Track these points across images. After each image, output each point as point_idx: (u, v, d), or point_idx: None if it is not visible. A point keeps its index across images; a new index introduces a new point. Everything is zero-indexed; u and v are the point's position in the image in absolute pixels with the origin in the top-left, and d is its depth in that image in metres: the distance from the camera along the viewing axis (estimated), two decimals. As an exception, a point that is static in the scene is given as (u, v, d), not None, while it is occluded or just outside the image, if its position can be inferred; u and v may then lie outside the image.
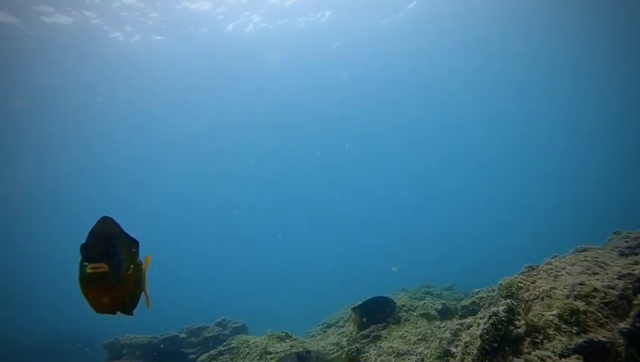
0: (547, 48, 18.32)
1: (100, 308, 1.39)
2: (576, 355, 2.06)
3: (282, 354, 4.42)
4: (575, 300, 2.36)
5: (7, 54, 14.69)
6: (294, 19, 16.94)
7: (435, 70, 21.01)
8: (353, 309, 4.36)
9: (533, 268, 3.11)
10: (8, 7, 12.89)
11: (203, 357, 5.31)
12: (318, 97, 23.16)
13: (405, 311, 4.59)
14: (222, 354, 5.08)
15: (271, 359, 4.38)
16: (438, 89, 22.68)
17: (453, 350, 3.00)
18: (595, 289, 2.35)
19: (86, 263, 1.32)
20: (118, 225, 1.52)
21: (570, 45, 17.80)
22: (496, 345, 2.34)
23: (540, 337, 2.26)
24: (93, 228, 1.40)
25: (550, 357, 2.12)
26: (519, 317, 2.42)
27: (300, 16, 16.88)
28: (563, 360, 2.08)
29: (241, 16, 16.47)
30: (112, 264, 1.35)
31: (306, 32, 17.73)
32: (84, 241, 1.36)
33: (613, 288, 2.31)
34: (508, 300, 2.53)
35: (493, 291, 3.52)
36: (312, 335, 5.88)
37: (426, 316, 4.44)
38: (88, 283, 1.31)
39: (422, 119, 26.09)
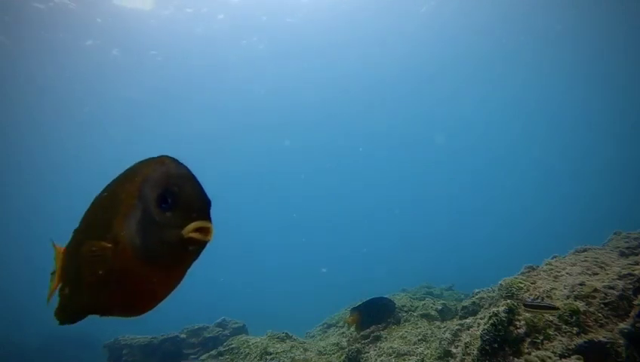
0: (547, 47, 18.32)
1: (155, 302, 0.91)
2: (577, 356, 2.07)
3: (282, 355, 4.42)
4: (575, 300, 2.36)
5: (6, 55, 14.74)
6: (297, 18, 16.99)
7: (433, 71, 21.01)
8: (352, 310, 4.36)
9: (533, 269, 3.11)
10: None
11: (203, 357, 5.31)
12: (316, 97, 23.16)
13: (405, 311, 4.59)
14: (222, 355, 5.08)
15: (271, 359, 4.39)
16: (439, 90, 22.68)
17: (454, 350, 3.01)
18: (596, 290, 2.36)
19: (180, 217, 0.81)
20: None
21: (571, 43, 17.81)
22: (496, 345, 2.34)
23: (540, 337, 2.26)
24: (177, 165, 0.88)
25: (550, 358, 2.12)
26: (519, 318, 2.42)
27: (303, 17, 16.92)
28: (563, 360, 2.09)
29: (246, 20, 16.52)
30: None
31: (306, 32, 17.75)
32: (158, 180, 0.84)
33: (613, 288, 2.31)
34: (508, 300, 2.54)
35: (494, 291, 3.52)
36: (312, 336, 5.88)
37: (427, 316, 4.44)
38: (182, 252, 0.82)
39: (421, 119, 26.11)
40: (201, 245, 0.83)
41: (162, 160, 0.88)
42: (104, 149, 22.98)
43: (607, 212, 25.87)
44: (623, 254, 3.32)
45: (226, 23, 16.68)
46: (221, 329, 6.23)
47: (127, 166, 0.94)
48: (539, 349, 2.21)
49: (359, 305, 4.37)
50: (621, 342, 2.01)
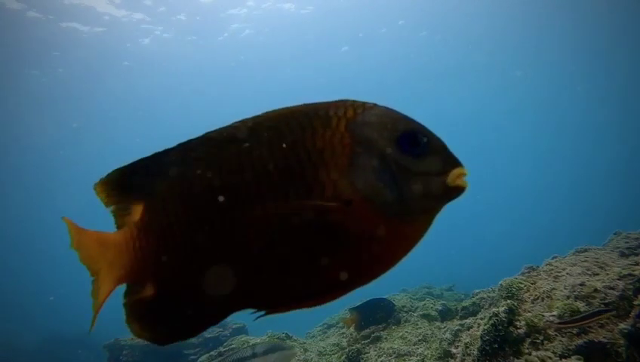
0: (550, 45, 18.28)
1: (377, 275, 0.72)
2: (577, 356, 2.07)
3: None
4: (575, 301, 2.36)
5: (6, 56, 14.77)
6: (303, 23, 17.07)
7: (435, 72, 21.00)
8: (351, 310, 4.37)
9: (533, 269, 3.11)
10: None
11: (203, 357, 5.31)
12: (325, 96, 23.16)
13: (405, 311, 4.59)
14: (222, 355, 5.08)
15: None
16: (441, 92, 22.67)
17: (454, 351, 3.00)
18: (596, 290, 2.36)
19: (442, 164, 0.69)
20: None
21: (573, 42, 17.77)
22: (496, 345, 2.34)
23: (541, 338, 2.26)
24: (386, 107, 0.74)
25: (551, 358, 2.12)
26: (520, 318, 2.42)
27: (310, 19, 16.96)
28: (563, 360, 2.09)
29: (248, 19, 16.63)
30: None
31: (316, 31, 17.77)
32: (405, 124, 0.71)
33: (613, 289, 2.31)
34: (508, 301, 2.53)
35: (494, 292, 3.51)
36: (313, 336, 5.88)
37: (427, 317, 4.44)
38: (441, 204, 0.69)
39: (423, 120, 26.06)
40: (459, 195, 0.70)
41: (362, 104, 0.73)
42: (102, 151, 23.00)
43: (608, 212, 25.88)
44: (623, 254, 3.32)
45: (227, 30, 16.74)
46: (221, 329, 6.22)
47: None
48: (539, 349, 2.21)
49: (358, 306, 4.37)
50: (621, 342, 2.01)
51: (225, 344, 5.33)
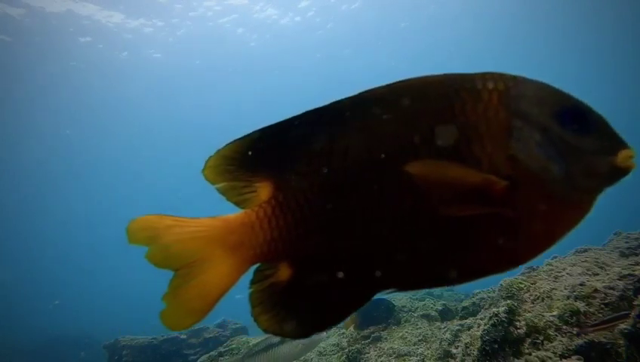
0: (554, 42, 18.28)
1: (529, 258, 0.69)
2: (577, 356, 2.07)
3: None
4: (575, 301, 2.36)
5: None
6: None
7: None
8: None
9: (533, 269, 3.11)
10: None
11: (203, 358, 5.30)
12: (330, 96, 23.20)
13: (405, 311, 4.59)
14: (222, 355, 5.08)
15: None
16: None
17: (454, 351, 3.01)
18: (596, 290, 2.35)
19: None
20: None
21: (574, 41, 17.78)
22: (496, 345, 2.34)
23: (541, 338, 2.26)
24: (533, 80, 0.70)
25: (551, 358, 2.12)
26: (520, 318, 2.42)
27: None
28: (564, 361, 2.09)
29: (250, 19, 16.66)
30: None
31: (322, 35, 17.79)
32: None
33: (613, 289, 2.31)
34: (508, 301, 2.53)
35: (494, 292, 3.51)
36: (313, 336, 5.88)
37: (427, 317, 4.44)
38: (604, 185, 0.67)
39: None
40: (624, 176, 0.67)
41: (512, 77, 0.69)
42: (98, 156, 23.01)
43: (608, 213, 25.91)
44: (623, 254, 3.32)
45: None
46: (221, 329, 6.22)
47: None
48: (539, 349, 2.21)
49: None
50: (621, 342, 2.01)
51: (225, 344, 5.33)
